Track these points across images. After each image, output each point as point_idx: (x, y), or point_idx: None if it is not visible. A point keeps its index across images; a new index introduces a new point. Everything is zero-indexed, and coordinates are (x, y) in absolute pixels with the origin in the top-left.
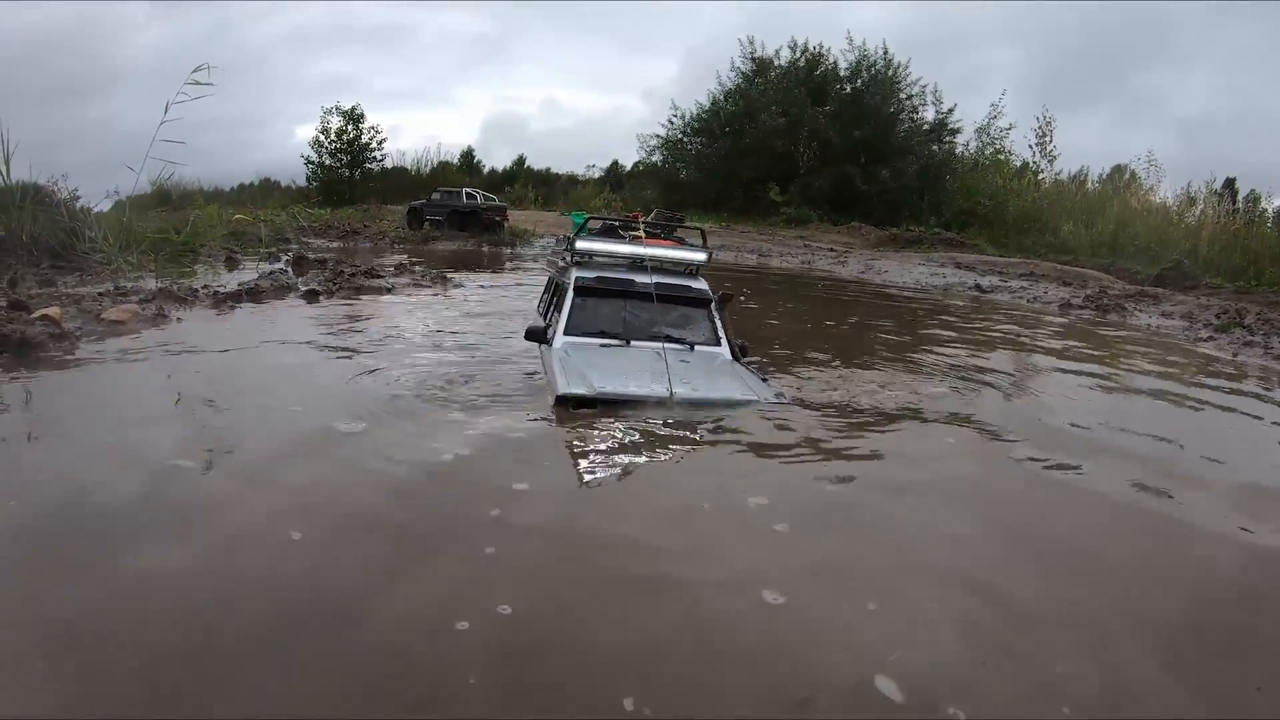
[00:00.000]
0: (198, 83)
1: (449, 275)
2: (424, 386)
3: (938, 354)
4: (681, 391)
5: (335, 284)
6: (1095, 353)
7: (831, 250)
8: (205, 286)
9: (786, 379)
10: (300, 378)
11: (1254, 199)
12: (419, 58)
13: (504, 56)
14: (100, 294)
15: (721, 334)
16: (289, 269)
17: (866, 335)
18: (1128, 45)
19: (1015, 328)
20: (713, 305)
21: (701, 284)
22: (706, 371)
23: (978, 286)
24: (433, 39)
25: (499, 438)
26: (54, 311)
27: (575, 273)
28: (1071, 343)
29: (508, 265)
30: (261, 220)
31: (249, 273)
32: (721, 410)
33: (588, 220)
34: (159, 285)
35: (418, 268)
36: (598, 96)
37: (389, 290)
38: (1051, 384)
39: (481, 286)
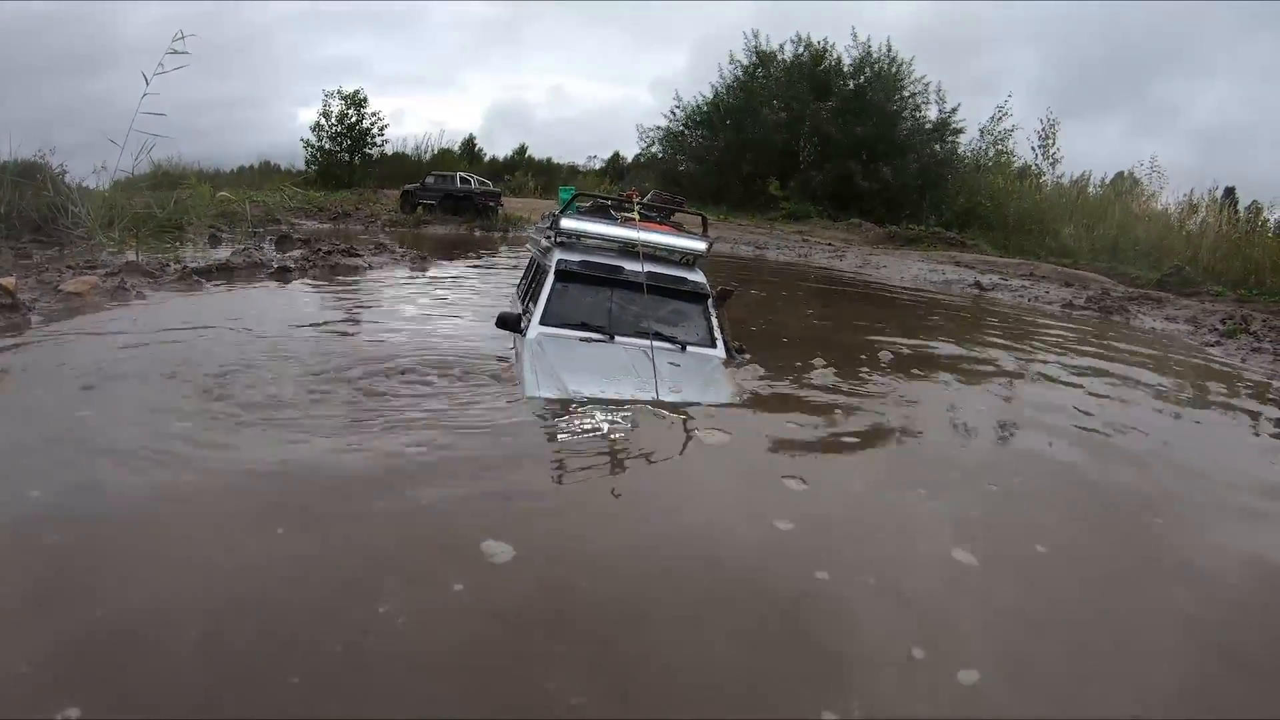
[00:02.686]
0: (176, 51)
1: (428, 257)
2: (368, 373)
3: (937, 351)
4: (670, 400)
5: (310, 262)
6: (1102, 355)
7: (830, 245)
8: (177, 261)
9: (787, 375)
10: (209, 359)
11: (1256, 209)
12: (427, 42)
13: (513, 43)
14: (68, 266)
15: (718, 334)
16: (272, 247)
17: (857, 327)
18: (1149, 53)
19: (1017, 326)
20: (709, 301)
21: (699, 276)
22: (698, 377)
23: (977, 284)
24: (442, 23)
25: (441, 442)
26: (8, 281)
27: (557, 254)
28: (1076, 344)
29: (500, 250)
30: (251, 201)
31: (228, 250)
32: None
33: (576, 196)
34: (128, 259)
35: (399, 248)
36: (606, 87)
37: (365, 269)
38: (1059, 388)
39: (463, 269)
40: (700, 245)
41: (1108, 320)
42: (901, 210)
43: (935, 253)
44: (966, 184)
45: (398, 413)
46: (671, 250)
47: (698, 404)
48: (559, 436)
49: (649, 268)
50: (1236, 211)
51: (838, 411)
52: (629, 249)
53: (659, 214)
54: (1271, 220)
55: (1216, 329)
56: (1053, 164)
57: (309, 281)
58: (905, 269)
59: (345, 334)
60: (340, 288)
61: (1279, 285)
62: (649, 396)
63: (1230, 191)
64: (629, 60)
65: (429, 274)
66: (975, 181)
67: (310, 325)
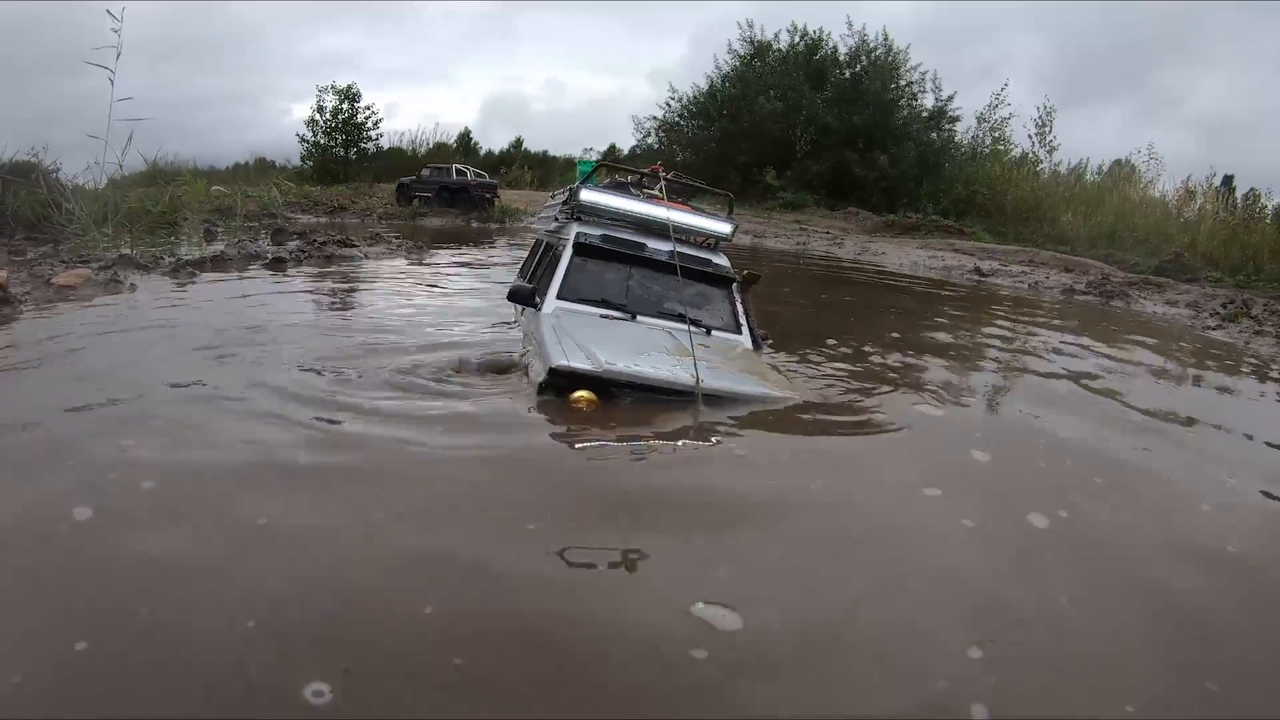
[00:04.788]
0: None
1: (423, 247)
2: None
3: (950, 338)
4: (712, 382)
5: (305, 253)
6: (1110, 338)
7: (827, 234)
8: (171, 254)
9: (820, 361)
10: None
11: (1254, 196)
12: (421, 35)
13: (508, 35)
14: (61, 260)
15: (743, 320)
16: (267, 240)
17: (868, 312)
18: (1154, 41)
19: (1021, 310)
20: (734, 286)
21: (723, 259)
22: (728, 361)
23: (977, 270)
24: (436, 16)
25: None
26: (0, 275)
27: (576, 228)
28: (1083, 327)
29: (497, 242)
30: (246, 195)
31: (222, 244)
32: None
33: (597, 167)
34: (121, 253)
35: (394, 239)
36: (603, 78)
37: (361, 259)
38: (1073, 374)
39: (460, 259)
40: (726, 228)
41: (1109, 305)
42: (899, 199)
43: (933, 240)
44: (964, 172)
45: (439, 429)
46: (697, 232)
47: (752, 395)
48: (646, 449)
49: (673, 248)
50: (1234, 198)
51: (887, 398)
52: (651, 227)
53: (679, 194)
54: (1270, 207)
55: (1218, 313)
56: (1050, 151)
57: (305, 272)
58: (904, 256)
59: (355, 328)
60: (339, 278)
61: (1277, 271)
62: (688, 376)
63: (1229, 179)
64: (626, 51)
65: (425, 264)
66: (973, 170)
67: (314, 316)
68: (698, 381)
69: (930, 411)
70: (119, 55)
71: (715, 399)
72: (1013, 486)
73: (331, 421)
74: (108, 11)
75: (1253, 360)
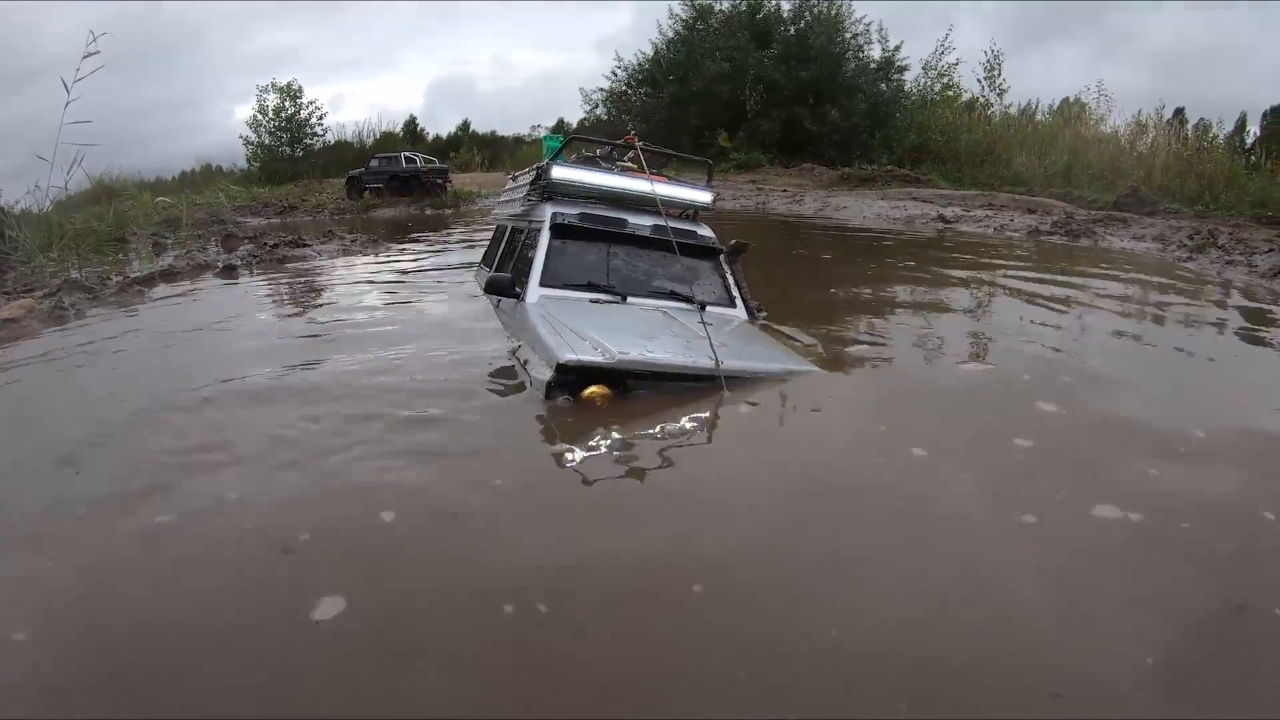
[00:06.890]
0: (90, 54)
1: (378, 240)
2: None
3: (929, 292)
4: (732, 363)
5: (256, 258)
6: (1086, 276)
7: (785, 191)
8: (119, 273)
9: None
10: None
11: (1204, 127)
12: (362, 24)
13: (450, 17)
14: (3, 292)
15: (736, 292)
16: (217, 247)
17: (843, 274)
18: None
19: (992, 256)
20: (722, 257)
21: (706, 230)
22: (733, 337)
23: (941, 217)
24: (375, 3)
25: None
26: None
27: (551, 208)
28: (1055, 267)
29: (455, 227)
30: (192, 204)
31: (172, 256)
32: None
33: (569, 141)
34: (64, 277)
35: (348, 235)
36: (550, 53)
37: (315, 258)
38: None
39: (417, 251)
40: (707, 196)
41: (1076, 244)
42: (853, 151)
43: (891, 190)
44: (917, 120)
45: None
46: (676, 203)
47: (771, 372)
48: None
49: (655, 221)
50: (1186, 130)
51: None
52: (627, 201)
53: (651, 164)
54: (1220, 136)
55: (1185, 245)
56: (1000, 94)
57: (259, 278)
58: (866, 208)
59: (316, 355)
60: (293, 281)
61: (1232, 200)
62: (707, 358)
63: (1179, 111)
64: (572, 22)
65: (382, 258)
66: (925, 117)
67: (262, 335)
68: (718, 364)
69: (961, 369)
70: (76, 78)
71: (734, 379)
72: (1051, 476)
73: None
74: (92, 34)
75: (1239, 292)
